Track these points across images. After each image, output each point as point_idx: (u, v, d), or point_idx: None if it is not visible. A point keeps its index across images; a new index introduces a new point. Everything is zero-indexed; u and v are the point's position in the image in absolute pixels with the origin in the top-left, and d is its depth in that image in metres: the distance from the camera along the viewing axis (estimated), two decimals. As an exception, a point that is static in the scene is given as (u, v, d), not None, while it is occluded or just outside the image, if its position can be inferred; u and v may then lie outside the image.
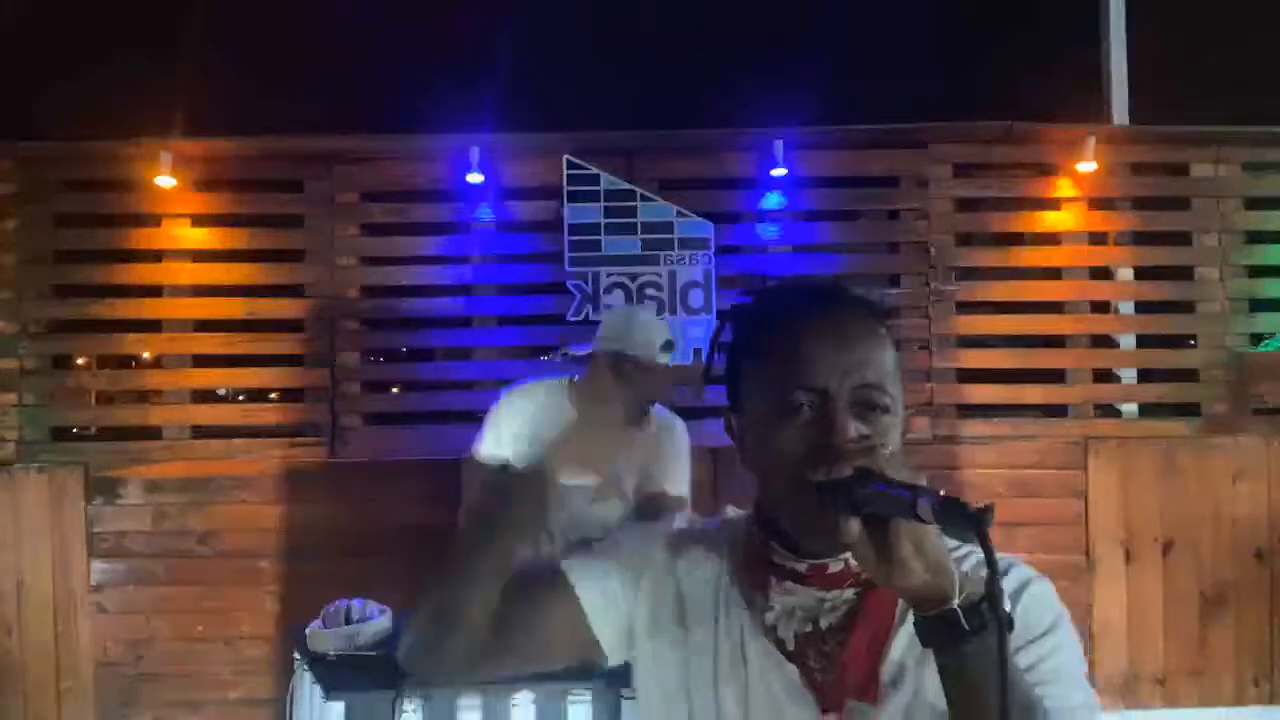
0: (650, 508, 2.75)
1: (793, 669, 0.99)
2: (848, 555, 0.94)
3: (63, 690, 3.85)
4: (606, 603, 1.07)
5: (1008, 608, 0.93)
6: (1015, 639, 0.92)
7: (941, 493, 0.83)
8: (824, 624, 0.98)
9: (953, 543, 1.01)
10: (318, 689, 2.09)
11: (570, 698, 2.03)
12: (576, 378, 2.76)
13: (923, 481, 0.86)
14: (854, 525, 0.85)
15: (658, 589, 1.07)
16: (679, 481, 2.79)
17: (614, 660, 1.09)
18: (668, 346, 2.64)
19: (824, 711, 0.97)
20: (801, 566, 0.99)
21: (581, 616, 1.06)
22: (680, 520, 1.16)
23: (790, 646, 0.99)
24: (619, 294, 3.94)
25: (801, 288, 1.06)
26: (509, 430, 2.76)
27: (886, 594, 0.93)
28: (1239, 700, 4.00)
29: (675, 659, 1.05)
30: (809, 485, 0.90)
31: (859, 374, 0.95)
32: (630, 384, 2.62)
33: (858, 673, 0.96)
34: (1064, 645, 0.96)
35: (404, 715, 1.97)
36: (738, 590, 1.04)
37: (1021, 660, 0.92)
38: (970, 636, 0.83)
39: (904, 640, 0.96)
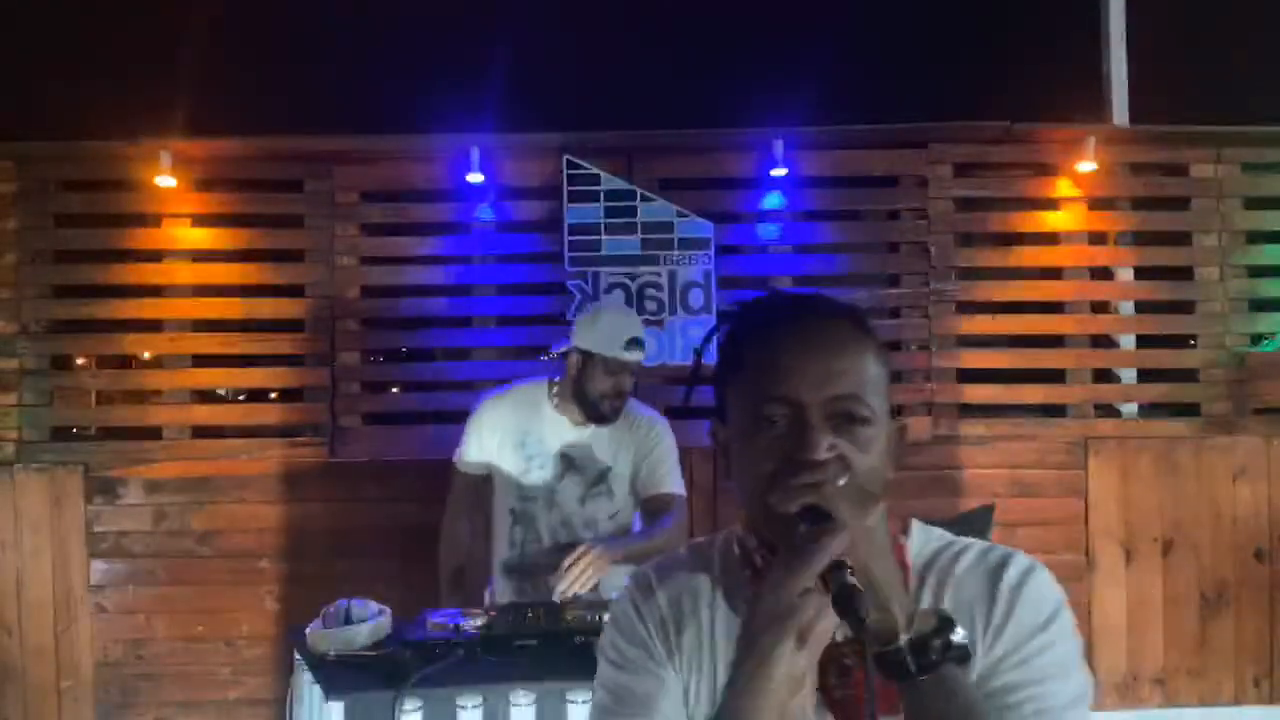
0: (654, 508, 2.77)
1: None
2: None
3: (63, 690, 3.85)
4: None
5: (1002, 609, 0.96)
6: (1010, 639, 0.94)
7: (849, 572, 0.83)
8: (838, 636, 0.91)
9: (946, 536, 1.06)
10: (318, 689, 2.09)
11: (570, 697, 2.03)
12: (557, 378, 2.76)
13: (879, 507, 0.89)
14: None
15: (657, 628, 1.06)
16: (674, 480, 2.80)
17: None
18: (633, 344, 2.61)
19: None
20: None
21: None
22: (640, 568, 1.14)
23: None
24: (619, 294, 3.94)
25: (781, 297, 1.04)
26: (490, 437, 2.76)
27: None
28: (1239, 700, 4.00)
29: (675, 691, 1.03)
30: (770, 509, 0.90)
31: (834, 384, 0.93)
32: (593, 381, 2.62)
33: (875, 685, 0.92)
34: (1059, 639, 0.95)
35: (404, 715, 1.97)
36: (735, 611, 1.03)
37: (1014, 659, 0.93)
38: (919, 675, 0.84)
39: None
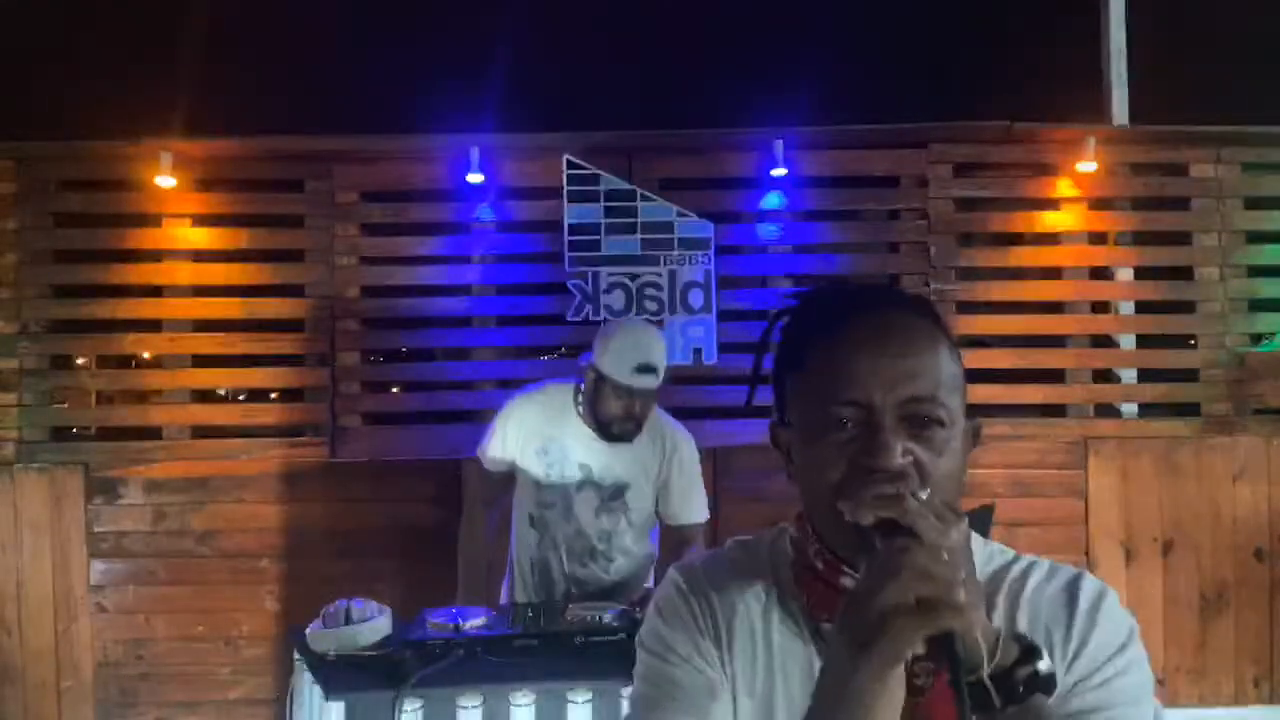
0: (681, 538, 2.79)
1: None
2: None
3: (63, 690, 3.85)
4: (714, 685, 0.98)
5: (1080, 630, 0.92)
6: (1089, 660, 0.90)
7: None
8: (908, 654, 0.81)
9: (1005, 551, 1.01)
10: (318, 689, 2.09)
11: (570, 698, 2.03)
12: (583, 384, 2.72)
13: (963, 524, 0.80)
14: None
15: (706, 624, 1.01)
16: (702, 508, 2.81)
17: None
18: (643, 370, 2.52)
19: None
20: None
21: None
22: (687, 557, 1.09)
23: None
24: (619, 294, 3.94)
25: (847, 289, 0.99)
26: (515, 435, 2.73)
27: None
28: (1239, 700, 4.00)
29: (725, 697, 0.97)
30: (841, 517, 0.84)
31: (909, 385, 0.86)
32: (603, 401, 2.58)
33: (948, 709, 0.84)
34: (1135, 660, 0.91)
35: (404, 715, 1.97)
36: (792, 617, 0.98)
37: (1092, 681, 0.89)
38: (1003, 708, 0.79)
39: None
